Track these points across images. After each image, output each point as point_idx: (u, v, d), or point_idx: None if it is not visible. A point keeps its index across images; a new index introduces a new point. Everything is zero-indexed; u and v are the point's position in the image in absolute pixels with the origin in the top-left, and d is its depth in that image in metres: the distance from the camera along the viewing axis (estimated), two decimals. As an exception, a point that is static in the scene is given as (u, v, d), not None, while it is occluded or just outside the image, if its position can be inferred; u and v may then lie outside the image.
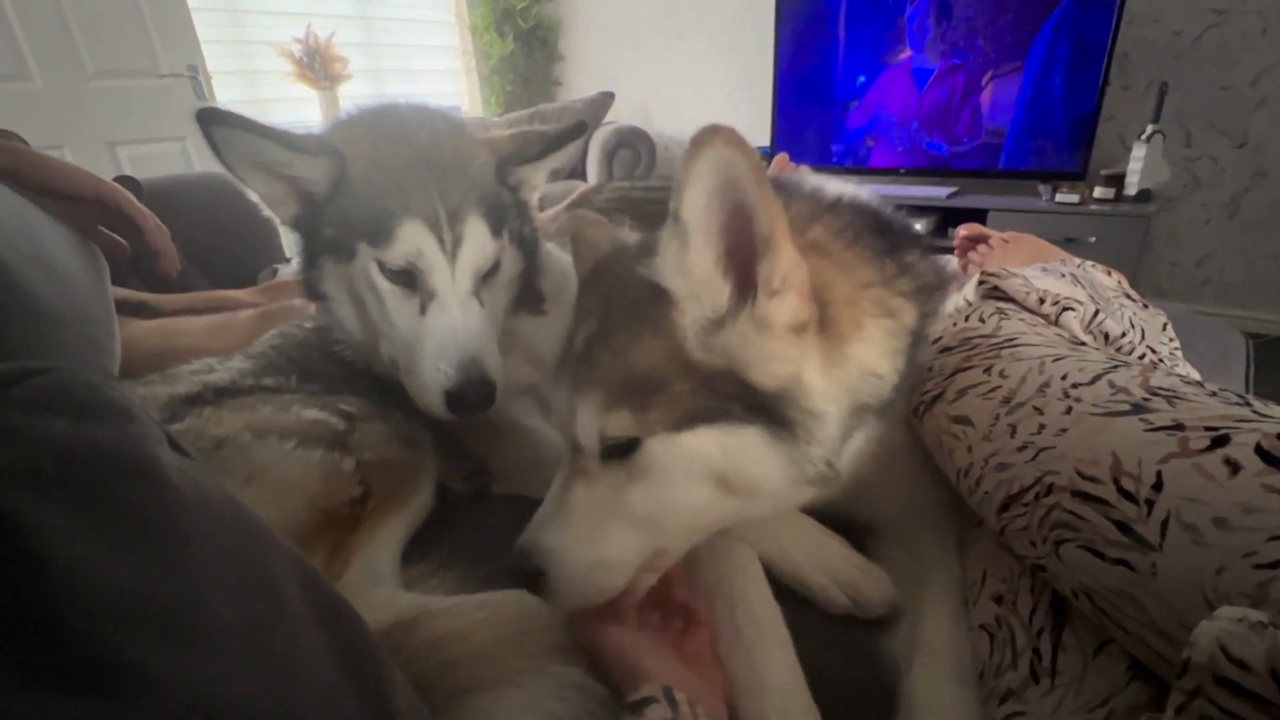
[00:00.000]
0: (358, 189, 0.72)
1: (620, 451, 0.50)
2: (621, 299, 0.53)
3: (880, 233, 0.59)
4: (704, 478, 0.50)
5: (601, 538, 0.52)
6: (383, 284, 0.73)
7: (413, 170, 0.72)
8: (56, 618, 0.23)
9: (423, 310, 0.73)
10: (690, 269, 0.48)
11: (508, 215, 0.78)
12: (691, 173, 0.44)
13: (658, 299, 0.50)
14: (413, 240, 0.71)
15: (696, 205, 0.45)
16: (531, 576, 0.51)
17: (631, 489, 0.51)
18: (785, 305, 0.48)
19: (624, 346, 0.51)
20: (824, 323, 0.52)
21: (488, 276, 0.78)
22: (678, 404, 0.49)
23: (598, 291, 0.58)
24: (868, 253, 0.57)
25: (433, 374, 0.72)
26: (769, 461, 0.50)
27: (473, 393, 0.71)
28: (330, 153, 0.72)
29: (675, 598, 0.57)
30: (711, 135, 0.42)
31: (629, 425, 0.49)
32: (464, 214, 0.73)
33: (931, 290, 0.61)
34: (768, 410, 0.49)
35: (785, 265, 0.47)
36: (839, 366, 0.52)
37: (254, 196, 0.77)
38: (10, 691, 0.22)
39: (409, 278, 0.73)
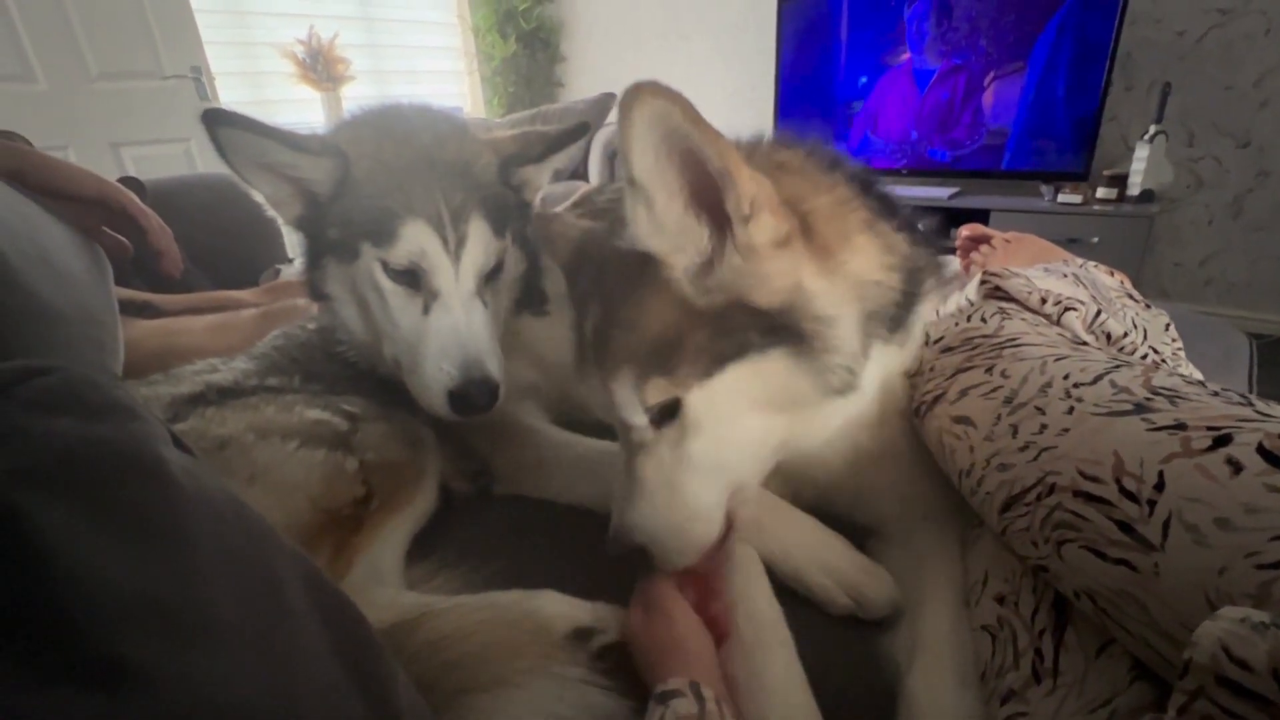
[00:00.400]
0: (361, 189, 0.72)
1: (668, 414, 0.53)
2: (613, 278, 0.55)
3: (862, 181, 0.62)
4: (749, 408, 0.53)
5: (682, 495, 0.54)
6: (386, 284, 0.74)
7: (416, 170, 0.73)
8: (61, 615, 0.23)
9: (426, 310, 0.74)
10: (663, 224, 0.50)
11: (510, 216, 0.79)
12: (630, 134, 0.45)
13: (646, 265, 0.52)
14: (416, 240, 0.71)
15: (646, 163, 0.47)
16: (638, 556, 0.54)
17: (690, 443, 0.53)
18: (762, 225, 0.50)
19: (633, 319, 0.52)
20: (809, 234, 0.54)
21: (491, 277, 0.78)
22: (702, 352, 0.51)
23: (587, 279, 0.59)
24: (845, 180, 0.59)
25: (436, 374, 0.72)
26: (798, 375, 0.53)
27: (476, 392, 0.72)
28: (334, 153, 0.73)
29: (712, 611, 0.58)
30: (639, 91, 0.44)
31: (666, 388, 0.51)
32: (467, 214, 0.73)
33: (919, 242, 0.63)
34: (783, 329, 0.51)
35: (747, 189, 0.49)
36: (836, 273, 0.54)
37: (258, 197, 0.77)
38: (15, 687, 0.22)
39: (412, 278, 0.73)
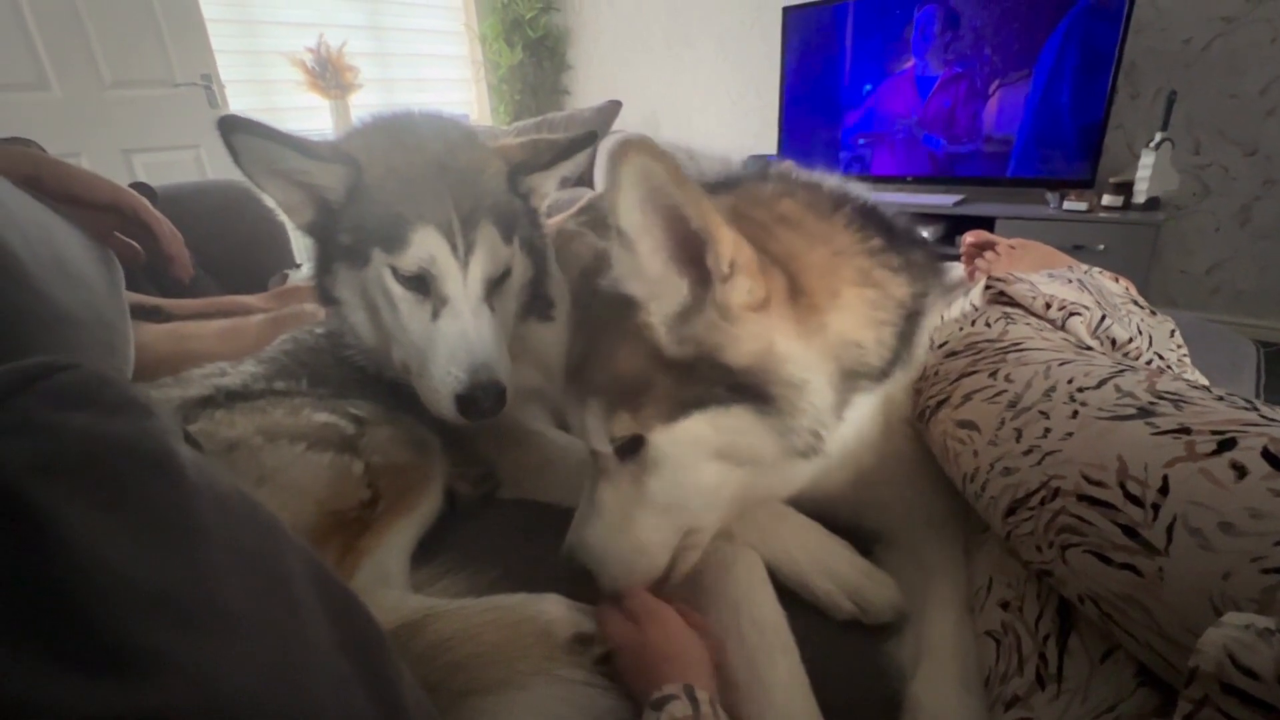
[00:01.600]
0: (373, 196, 0.73)
1: (630, 449, 0.54)
2: (601, 311, 0.56)
3: (865, 215, 0.62)
4: (708, 457, 0.54)
5: (634, 527, 0.56)
6: (396, 289, 0.74)
7: (427, 178, 0.74)
8: (78, 604, 0.24)
9: (435, 316, 0.74)
10: (644, 273, 0.52)
11: (518, 223, 0.79)
12: (617, 187, 0.47)
13: (628, 306, 0.53)
14: (426, 246, 0.72)
15: (632, 216, 0.49)
16: (580, 573, 0.56)
17: (649, 480, 0.55)
18: (738, 287, 0.52)
19: (609, 355, 0.54)
20: (797, 293, 0.55)
21: (499, 283, 0.79)
22: (667, 397, 0.53)
23: (584, 304, 0.61)
24: (844, 224, 0.60)
25: (444, 378, 0.73)
26: (760, 434, 0.54)
27: (483, 397, 0.72)
28: (346, 160, 0.74)
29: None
30: (626, 149, 0.46)
31: (629, 425, 0.53)
32: (476, 221, 0.74)
33: (923, 268, 0.63)
34: (748, 388, 0.53)
35: (726, 251, 0.50)
36: (817, 335, 0.55)
37: (269, 202, 0.78)
38: (32, 675, 0.22)
39: (422, 283, 0.74)
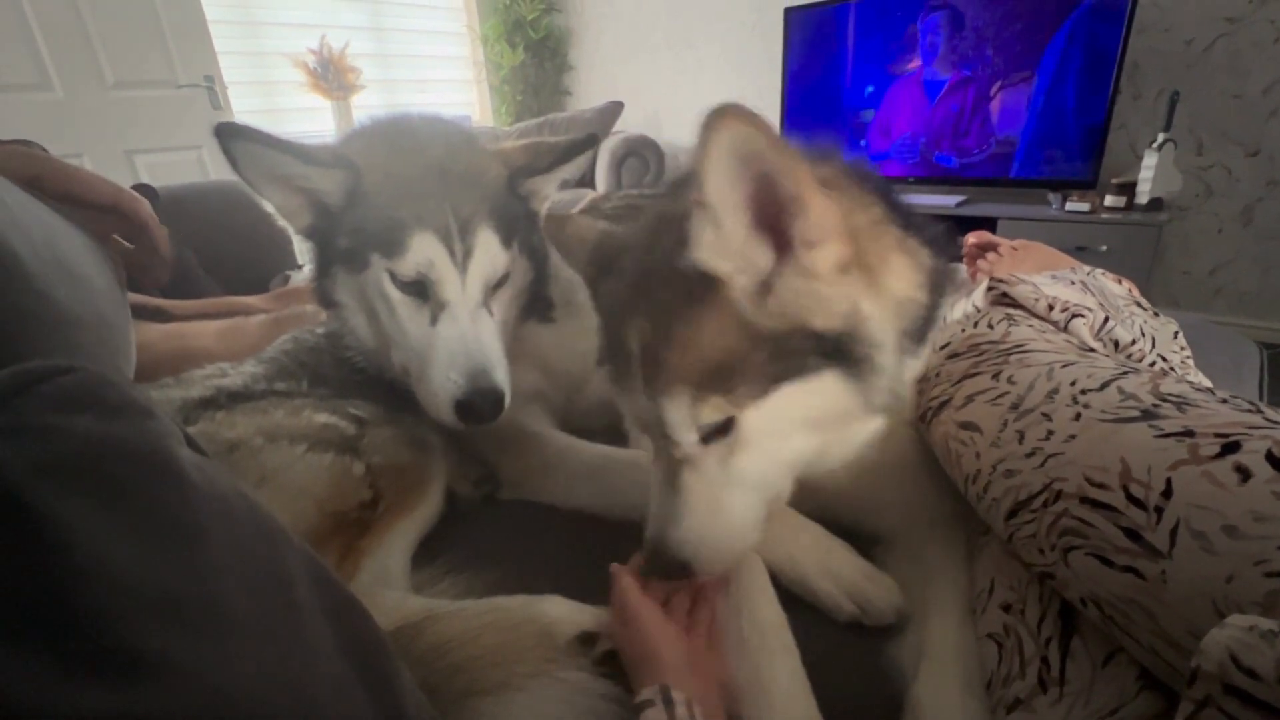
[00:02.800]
0: (372, 200, 0.73)
1: (718, 432, 0.53)
2: (665, 296, 0.53)
3: (882, 191, 0.62)
4: (799, 427, 0.54)
5: (728, 510, 0.55)
6: (394, 294, 0.74)
7: (425, 182, 0.73)
8: (79, 606, 0.24)
9: (433, 320, 0.74)
10: (728, 246, 0.50)
11: (518, 226, 0.79)
12: (710, 156, 0.45)
13: (704, 285, 0.51)
14: (424, 251, 0.72)
15: (721, 186, 0.47)
16: (673, 568, 0.55)
17: (739, 459, 0.54)
18: (828, 251, 0.51)
19: (691, 340, 0.52)
20: (859, 254, 0.54)
21: (498, 287, 0.78)
22: (760, 373, 0.51)
23: (622, 288, 0.58)
24: (874, 193, 0.60)
25: (443, 383, 0.72)
26: (848, 396, 0.54)
27: (482, 402, 0.72)
28: (345, 165, 0.74)
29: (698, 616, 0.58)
30: (722, 116, 0.44)
31: (722, 407, 0.52)
32: (475, 226, 0.74)
33: (942, 243, 0.63)
34: (839, 351, 0.52)
35: (820, 216, 0.49)
36: (882, 295, 0.55)
37: (269, 207, 0.78)
38: (35, 677, 0.22)
39: (420, 288, 0.74)
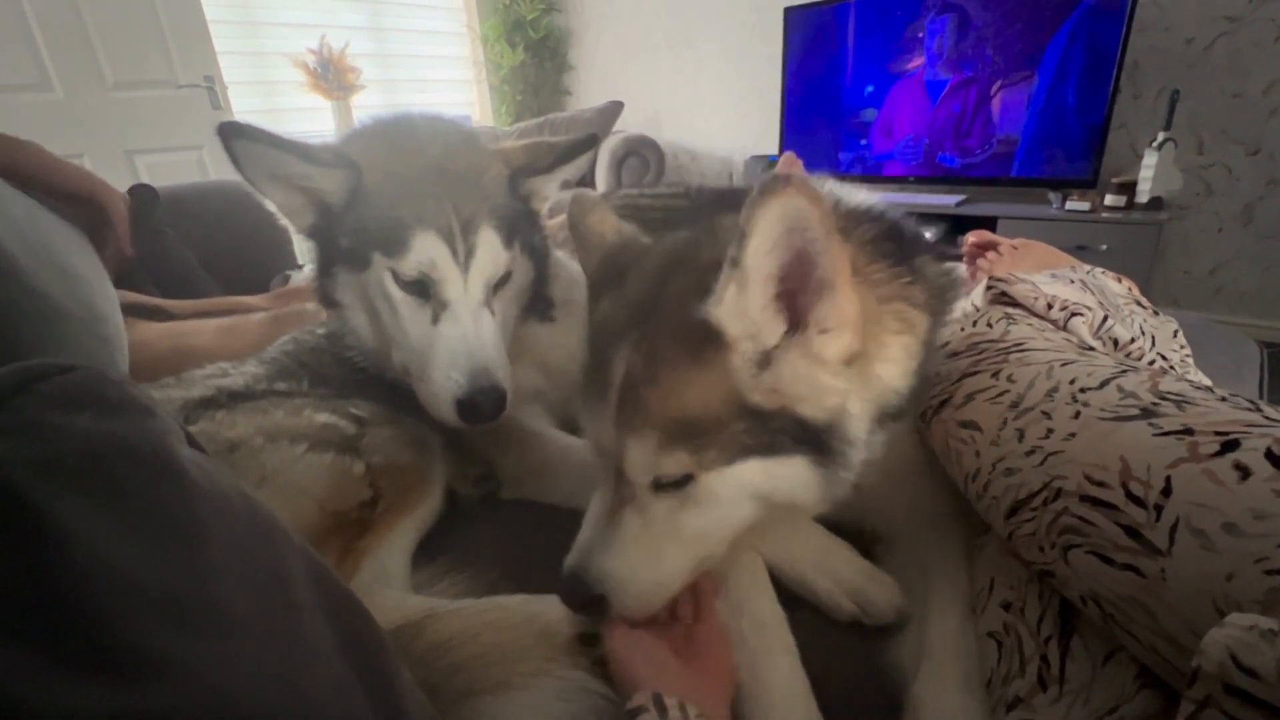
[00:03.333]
0: (373, 200, 0.73)
1: (675, 484, 0.51)
2: (666, 333, 0.51)
3: (895, 241, 0.60)
4: (755, 499, 0.53)
5: (658, 559, 0.54)
6: (396, 293, 0.74)
7: (427, 182, 0.74)
8: (81, 605, 0.24)
9: (435, 320, 0.74)
10: (747, 310, 0.49)
11: (519, 226, 0.79)
12: (759, 222, 0.44)
13: (706, 339, 0.50)
14: (426, 251, 0.72)
15: (760, 252, 0.46)
16: (586, 599, 0.53)
17: (684, 514, 0.53)
18: (840, 340, 0.50)
19: (677, 389, 0.50)
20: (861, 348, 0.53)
21: (499, 286, 0.78)
22: (734, 441, 0.50)
23: (622, 310, 0.56)
24: (886, 265, 0.58)
25: (444, 382, 0.72)
26: (810, 483, 0.52)
27: (483, 401, 0.72)
28: (347, 165, 0.74)
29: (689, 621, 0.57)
30: (782, 186, 0.43)
31: (686, 463, 0.50)
32: (477, 225, 0.74)
33: (943, 295, 0.62)
34: (814, 440, 0.51)
35: (843, 306, 0.49)
36: (870, 388, 0.54)
37: (270, 206, 0.78)
38: (35, 675, 0.22)
39: (422, 287, 0.74)
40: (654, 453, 0.50)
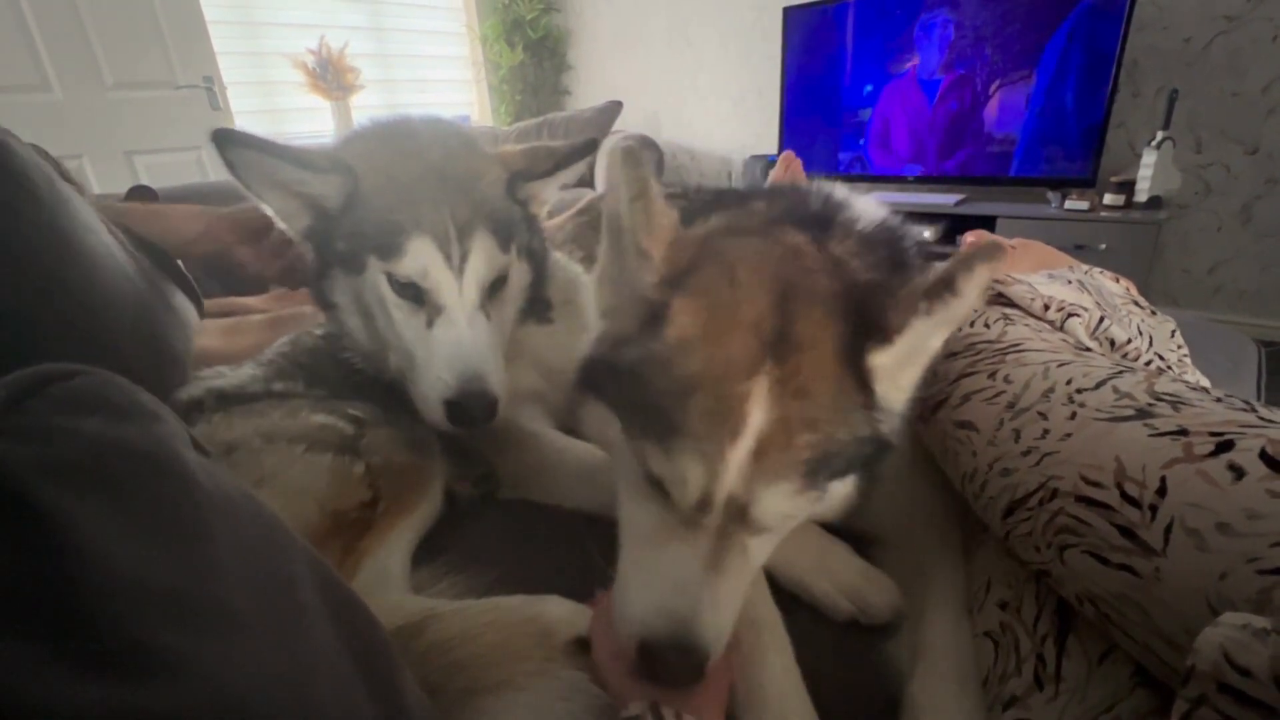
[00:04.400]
0: (369, 203, 0.73)
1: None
2: (817, 374, 0.46)
3: (902, 260, 0.61)
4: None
5: (742, 596, 0.49)
6: (391, 297, 0.74)
7: (423, 185, 0.74)
8: (87, 606, 0.24)
9: (430, 324, 0.74)
10: (911, 355, 0.49)
11: (516, 230, 0.79)
12: (972, 289, 0.45)
13: (861, 380, 0.48)
14: (421, 255, 0.72)
15: (967, 310, 0.47)
16: (697, 667, 0.45)
17: (767, 545, 0.50)
18: (914, 372, 0.51)
19: (831, 432, 0.47)
20: None
21: (495, 290, 0.78)
22: (835, 471, 0.48)
23: (734, 332, 0.47)
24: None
25: (435, 385, 0.73)
26: (850, 495, 0.53)
27: (472, 405, 0.72)
28: (342, 170, 0.74)
29: None
30: (995, 251, 0.45)
31: (813, 503, 0.48)
32: (472, 230, 0.74)
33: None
34: (879, 456, 0.51)
35: (938, 344, 0.50)
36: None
37: (269, 211, 0.78)
38: (43, 676, 0.23)
39: (417, 291, 0.74)
40: (793, 496, 0.46)
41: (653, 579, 0.47)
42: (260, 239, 0.98)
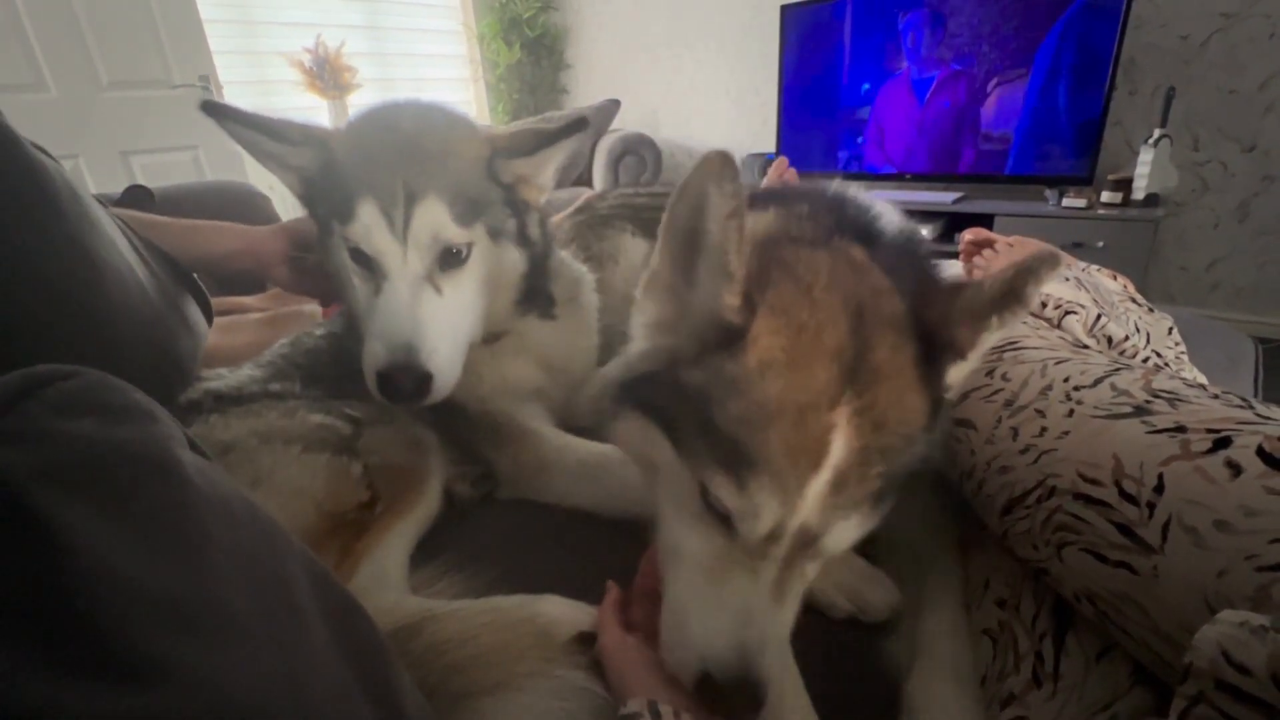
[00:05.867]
0: (339, 171, 0.75)
1: None
2: (894, 403, 0.45)
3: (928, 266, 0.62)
4: None
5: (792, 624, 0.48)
6: (348, 263, 0.75)
7: (384, 153, 0.74)
8: (84, 610, 0.24)
9: (377, 291, 0.74)
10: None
11: (487, 208, 0.77)
12: (1039, 289, 0.48)
13: (932, 405, 0.48)
14: (365, 218, 0.72)
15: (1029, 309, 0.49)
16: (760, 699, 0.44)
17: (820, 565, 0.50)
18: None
19: (904, 460, 0.46)
20: None
21: (450, 265, 0.76)
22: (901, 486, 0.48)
23: (813, 357, 0.45)
24: None
25: (368, 354, 0.73)
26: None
27: (402, 378, 0.71)
28: (315, 142, 0.76)
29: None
30: (1058, 263, 0.47)
31: (878, 521, 0.47)
32: (421, 197, 0.72)
33: None
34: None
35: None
36: None
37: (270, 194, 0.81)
38: (40, 679, 0.22)
39: (368, 258, 0.74)
40: (863, 523, 0.46)
41: (716, 610, 0.45)
42: (302, 256, 0.99)
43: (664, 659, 0.47)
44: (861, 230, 0.58)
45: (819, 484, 0.43)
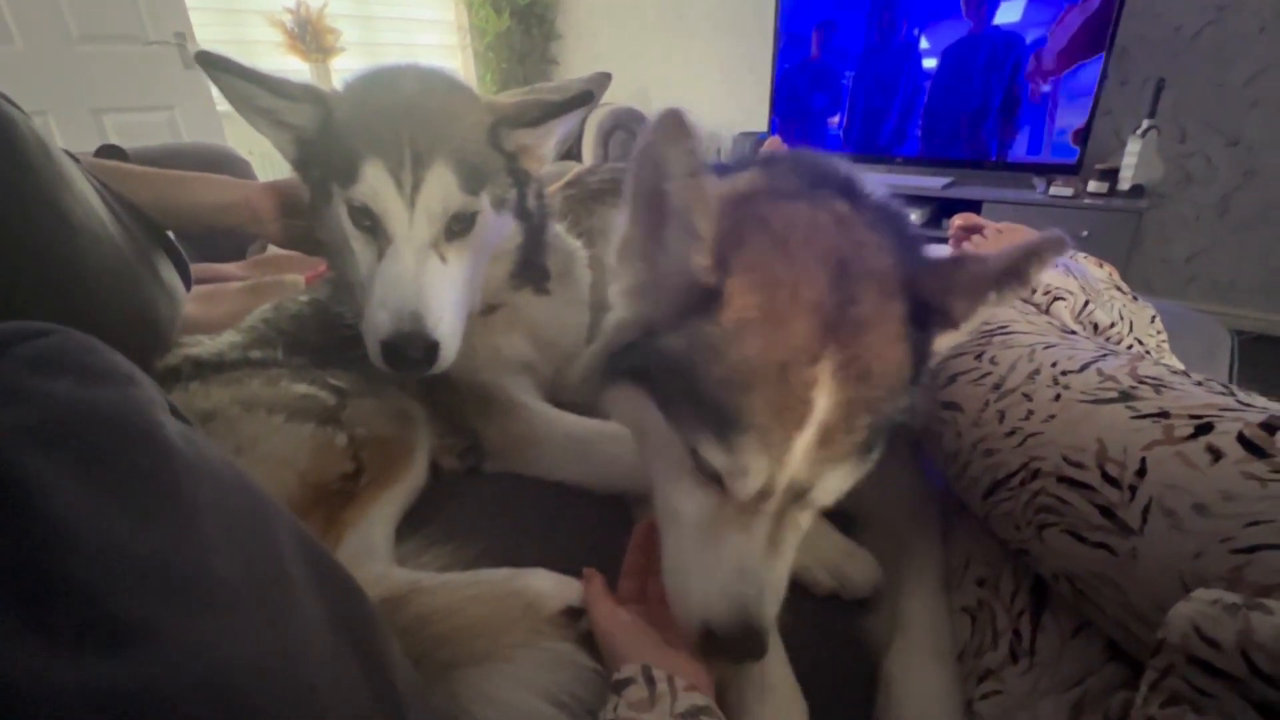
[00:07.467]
0: (338, 132, 0.72)
1: None
2: (879, 357, 0.45)
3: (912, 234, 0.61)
4: None
5: (789, 570, 0.49)
6: (350, 228, 0.73)
7: (389, 114, 0.71)
8: (64, 575, 0.23)
9: (380, 256, 0.72)
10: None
11: (491, 177, 0.76)
12: (1044, 268, 0.48)
13: (919, 359, 0.48)
14: (372, 178, 0.70)
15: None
16: (761, 645, 0.46)
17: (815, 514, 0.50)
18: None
19: (888, 413, 0.46)
20: None
21: (456, 233, 0.75)
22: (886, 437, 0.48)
23: (793, 312, 0.44)
24: None
25: (372, 322, 0.71)
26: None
27: (407, 346, 0.69)
28: (314, 99, 0.73)
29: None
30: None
31: (867, 469, 0.48)
32: (430, 160, 0.71)
33: None
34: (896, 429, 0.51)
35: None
36: None
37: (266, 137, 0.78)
38: (18, 646, 0.22)
39: (371, 219, 0.72)
40: (852, 473, 0.47)
41: (713, 566, 0.46)
42: (298, 213, 0.96)
43: (674, 615, 0.49)
44: (845, 186, 0.56)
45: (806, 439, 0.43)
